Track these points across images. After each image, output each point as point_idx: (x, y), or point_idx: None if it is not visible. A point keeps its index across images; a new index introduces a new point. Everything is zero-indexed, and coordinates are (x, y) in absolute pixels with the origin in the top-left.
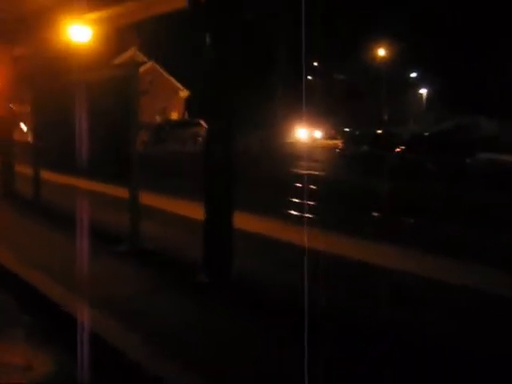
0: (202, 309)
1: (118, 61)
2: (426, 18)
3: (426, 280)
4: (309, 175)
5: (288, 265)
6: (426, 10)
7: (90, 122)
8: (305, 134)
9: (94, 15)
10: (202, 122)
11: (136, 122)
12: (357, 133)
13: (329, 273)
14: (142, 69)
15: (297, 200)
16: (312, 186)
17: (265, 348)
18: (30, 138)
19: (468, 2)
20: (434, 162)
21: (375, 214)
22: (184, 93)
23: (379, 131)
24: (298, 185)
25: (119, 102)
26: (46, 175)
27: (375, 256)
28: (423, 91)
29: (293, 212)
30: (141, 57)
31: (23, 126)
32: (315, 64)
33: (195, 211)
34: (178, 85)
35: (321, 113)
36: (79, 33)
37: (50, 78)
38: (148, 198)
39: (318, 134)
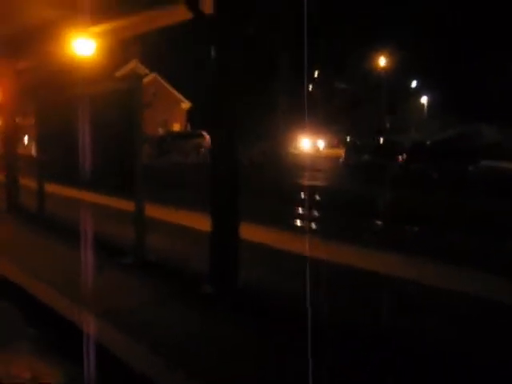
0: (208, 320)
1: (120, 73)
2: (427, 26)
3: (429, 288)
4: (312, 186)
5: (293, 274)
6: (427, 19)
7: (94, 134)
8: (308, 143)
9: (97, 28)
10: (205, 134)
11: (140, 134)
12: (358, 142)
13: (333, 282)
14: (144, 81)
15: (301, 210)
16: (315, 197)
17: (271, 358)
18: (31, 151)
19: (469, 10)
20: (437, 170)
21: (378, 222)
22: (186, 104)
23: (381, 140)
24: (301, 195)
25: (123, 115)
26: (50, 188)
27: (379, 264)
28: (425, 99)
29: (297, 222)
30: (142, 69)
31: (25, 139)
32: (316, 74)
33: (199, 222)
34: (180, 96)
35: (323, 122)
36: (83, 46)
37: (54, 91)
38: (152, 210)
39: (321, 143)
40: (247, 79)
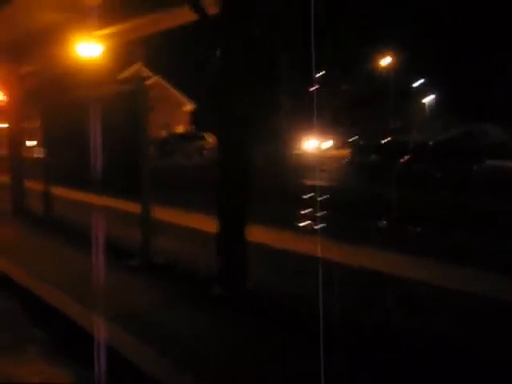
0: (217, 321)
1: (123, 76)
2: (429, 26)
3: (437, 288)
4: (317, 186)
5: (302, 276)
6: (429, 19)
7: (100, 137)
8: (313, 144)
9: (102, 32)
10: (207, 136)
11: (146, 136)
12: (361, 142)
13: (343, 283)
14: (146, 83)
15: (307, 211)
16: (321, 197)
17: (282, 361)
18: (35, 154)
19: (471, 10)
20: (442, 170)
21: (384, 223)
22: (189, 106)
23: (386, 140)
24: (305, 195)
25: (128, 117)
26: (56, 190)
27: (387, 265)
28: (429, 99)
29: (303, 223)
30: (146, 71)
31: (29, 142)
32: (320, 75)
33: (205, 224)
34: (183, 98)
35: (328, 123)
36: (87, 49)
37: (59, 94)
38: (157, 212)
39: (326, 144)
40: (250, 80)
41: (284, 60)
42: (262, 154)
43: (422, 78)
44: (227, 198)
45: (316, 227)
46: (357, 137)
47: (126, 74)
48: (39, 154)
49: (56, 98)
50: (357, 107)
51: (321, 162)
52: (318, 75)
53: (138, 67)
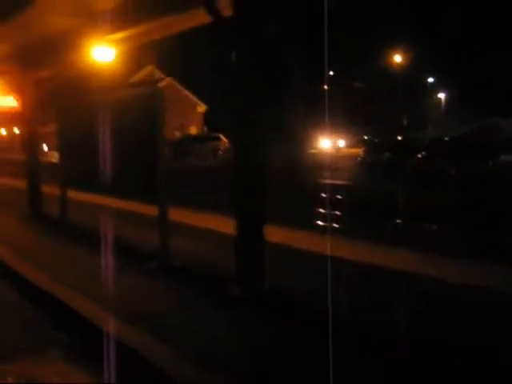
0: (236, 322)
1: (136, 78)
2: (441, 22)
3: (453, 285)
4: (332, 185)
5: (319, 275)
6: (442, 14)
7: (115, 140)
8: (327, 143)
9: (115, 36)
10: (221, 136)
11: (162, 138)
12: (375, 140)
13: (361, 282)
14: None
15: (322, 210)
16: (336, 196)
17: (302, 363)
18: (51, 158)
19: (485, 4)
20: (457, 166)
21: (400, 221)
22: (202, 107)
23: (399, 137)
24: (320, 194)
25: (143, 120)
26: (72, 194)
27: (403, 263)
28: (441, 95)
29: (319, 222)
30: (158, 74)
31: (45, 147)
32: (332, 73)
33: (220, 224)
34: (196, 100)
35: (342, 122)
36: (101, 53)
37: (74, 98)
38: (173, 213)
39: (341, 143)
40: (264, 80)
41: (297, 60)
42: (278, 153)
43: (434, 75)
44: (244, 199)
45: (333, 226)
46: (370, 135)
47: (139, 76)
48: (52, 157)
49: (71, 102)
50: (370, 105)
51: (335, 161)
52: (330, 74)
53: (150, 69)
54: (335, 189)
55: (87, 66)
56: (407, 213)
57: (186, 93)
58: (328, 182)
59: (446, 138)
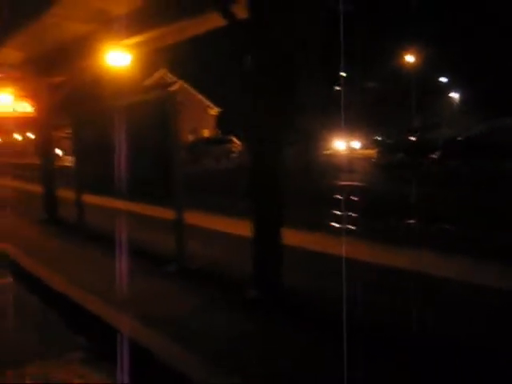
0: (255, 324)
1: (148, 82)
2: (454, 20)
3: (472, 286)
4: (347, 186)
5: (335, 277)
6: (455, 13)
7: (130, 144)
8: (342, 144)
9: (130, 41)
10: (234, 139)
11: (178, 142)
12: (388, 141)
13: (382, 285)
14: (171, 89)
15: (338, 212)
16: (351, 197)
17: (320, 364)
18: (65, 163)
19: (497, 4)
20: (472, 166)
21: (415, 222)
22: (214, 110)
23: (413, 138)
24: (337, 196)
25: (159, 124)
26: (88, 198)
27: (420, 264)
28: (455, 95)
29: (335, 224)
30: (170, 77)
31: (58, 151)
32: (344, 73)
33: (236, 227)
34: (208, 102)
35: (356, 122)
36: (116, 58)
37: (89, 103)
38: (188, 216)
39: (356, 144)
40: (279, 81)
41: (311, 61)
42: (293, 155)
43: (448, 74)
44: (261, 202)
45: (349, 227)
46: (383, 136)
47: (152, 80)
48: (66, 162)
49: (85, 106)
50: (383, 105)
51: (350, 162)
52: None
53: (162, 73)
54: (350, 190)
55: (101, 71)
56: (423, 214)
57: (198, 96)
58: (343, 183)
59: (461, 138)
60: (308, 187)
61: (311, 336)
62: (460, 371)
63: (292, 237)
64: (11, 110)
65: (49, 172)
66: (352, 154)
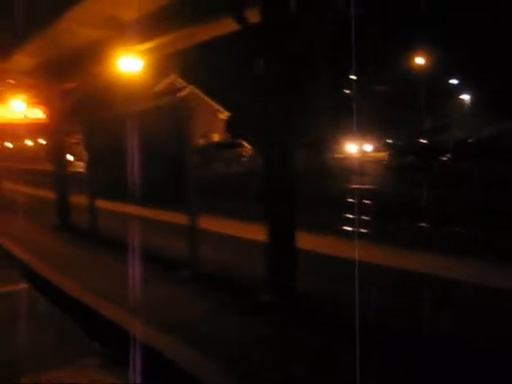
0: (270, 328)
1: (159, 87)
2: (463, 22)
3: (484, 289)
4: (359, 189)
5: (349, 281)
6: (464, 16)
7: (142, 149)
8: (354, 148)
9: (141, 46)
10: (244, 143)
11: (190, 148)
12: (399, 143)
13: (392, 287)
14: (181, 94)
15: (350, 215)
16: (364, 200)
17: (334, 369)
18: (76, 168)
19: (506, 6)
20: (483, 168)
21: (428, 225)
22: (224, 115)
23: (424, 140)
24: (350, 200)
25: (171, 129)
26: (100, 204)
27: (434, 267)
28: (466, 97)
29: (348, 227)
30: (180, 82)
31: (70, 157)
32: (354, 77)
33: (248, 231)
34: (218, 107)
35: (367, 126)
36: (127, 64)
37: (101, 109)
38: (199, 220)
39: (368, 147)
40: (292, 85)
41: (323, 65)
42: (306, 158)
43: (458, 76)
44: (274, 206)
45: (362, 231)
46: (394, 138)
47: (162, 85)
48: (78, 167)
49: (97, 112)
50: (393, 108)
51: (362, 165)
52: (353, 78)
53: (173, 78)
54: (362, 193)
55: (113, 76)
56: (434, 216)
57: (208, 100)
58: (355, 186)
59: (472, 140)
60: (320, 190)
61: (325, 340)
62: (475, 375)
63: (305, 240)
64: (23, 116)
65: (61, 178)
66: (364, 157)
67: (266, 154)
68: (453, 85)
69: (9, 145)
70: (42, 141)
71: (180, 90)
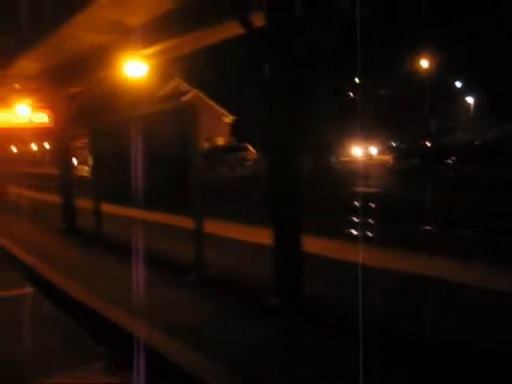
0: (277, 332)
1: (163, 91)
2: (467, 25)
3: (490, 292)
4: (364, 193)
5: (355, 284)
6: (468, 19)
7: (146, 154)
8: (359, 151)
9: (147, 51)
10: (249, 147)
11: (196, 151)
12: (403, 146)
13: (399, 291)
14: (186, 97)
15: (356, 219)
16: (369, 204)
17: (340, 372)
18: (81, 172)
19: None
20: (488, 171)
21: (433, 228)
22: (228, 118)
23: (429, 143)
24: (355, 203)
25: (175, 134)
26: (105, 208)
27: (439, 271)
28: (470, 99)
29: (353, 231)
30: (185, 86)
31: (74, 161)
32: (358, 80)
33: (252, 235)
34: (223, 110)
35: (372, 129)
36: (133, 68)
37: (106, 113)
38: (204, 224)
39: (373, 150)
40: (297, 89)
41: (327, 69)
42: (311, 161)
43: (462, 79)
44: (280, 210)
45: (367, 234)
46: (398, 141)
47: (167, 89)
48: (83, 171)
49: (102, 116)
50: (398, 111)
51: (367, 169)
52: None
53: (177, 82)
54: (367, 197)
55: (118, 81)
56: (439, 219)
57: (213, 104)
58: (360, 189)
59: (477, 143)
60: (325, 194)
61: (331, 343)
62: (479, 379)
63: (311, 244)
64: (28, 120)
65: (67, 182)
66: (369, 161)
67: (271, 157)
68: (457, 87)
69: (14, 149)
70: (46, 145)
71: (184, 93)
